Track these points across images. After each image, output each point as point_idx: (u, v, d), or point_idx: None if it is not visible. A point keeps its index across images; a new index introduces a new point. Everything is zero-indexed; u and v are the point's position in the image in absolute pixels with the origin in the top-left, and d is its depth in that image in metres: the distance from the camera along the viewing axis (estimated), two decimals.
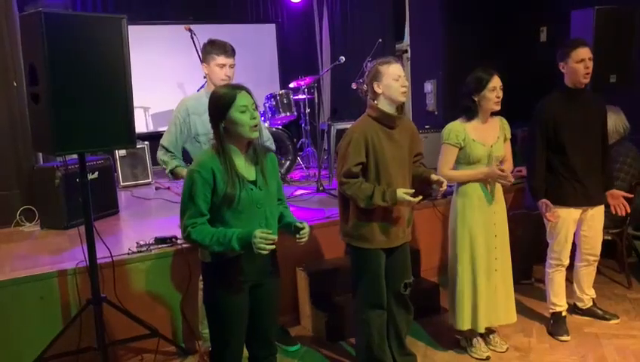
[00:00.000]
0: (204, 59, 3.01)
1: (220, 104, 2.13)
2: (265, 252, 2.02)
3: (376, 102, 2.71)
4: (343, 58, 5.34)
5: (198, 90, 5.56)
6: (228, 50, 2.97)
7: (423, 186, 2.81)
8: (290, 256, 3.52)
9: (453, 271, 3.08)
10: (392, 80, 2.64)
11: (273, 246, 2.03)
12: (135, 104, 2.84)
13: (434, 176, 2.73)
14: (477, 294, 3.02)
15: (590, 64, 3.11)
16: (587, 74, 3.12)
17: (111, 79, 2.66)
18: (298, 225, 2.21)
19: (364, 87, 2.75)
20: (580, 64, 3.10)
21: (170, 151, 3.04)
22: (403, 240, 2.81)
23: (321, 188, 4.81)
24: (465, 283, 3.03)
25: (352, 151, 2.65)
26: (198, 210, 2.11)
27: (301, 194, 4.87)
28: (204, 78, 5.53)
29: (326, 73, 6.78)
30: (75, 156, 3.24)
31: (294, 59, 7.68)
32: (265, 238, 2.01)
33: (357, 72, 5.09)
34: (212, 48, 2.96)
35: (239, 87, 2.16)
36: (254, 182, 2.18)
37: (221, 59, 2.94)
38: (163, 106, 7.05)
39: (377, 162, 2.67)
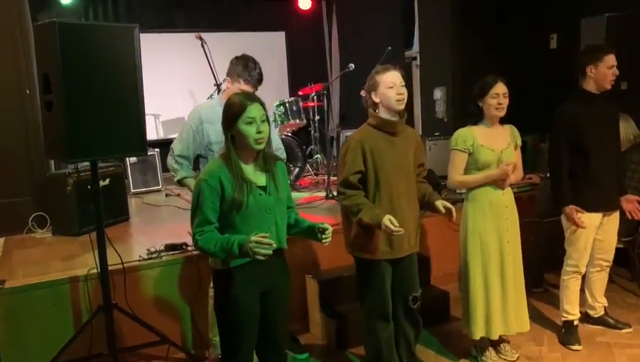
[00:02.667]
0: (230, 74, 2.96)
1: (230, 114, 2.17)
2: (261, 257, 2.00)
3: (377, 111, 2.70)
4: (353, 65, 5.35)
5: (208, 98, 5.63)
6: (256, 82, 2.91)
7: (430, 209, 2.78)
8: (299, 263, 3.53)
9: (465, 279, 3.06)
10: (386, 88, 2.62)
11: (270, 252, 2.00)
12: (146, 111, 2.86)
13: (439, 204, 2.67)
14: (490, 302, 3.00)
15: (616, 71, 3.14)
16: (613, 80, 3.15)
17: (123, 87, 2.69)
18: (322, 226, 2.23)
19: (367, 95, 2.74)
20: (610, 70, 3.12)
21: (182, 158, 3.01)
22: (409, 251, 2.76)
23: (330, 195, 4.81)
24: (477, 291, 3.01)
25: (349, 160, 2.65)
26: (205, 218, 2.13)
27: (310, 201, 4.86)
28: (215, 85, 5.56)
29: (335, 80, 6.79)
30: (86, 163, 3.28)
31: (304, 66, 7.70)
32: (259, 242, 1.99)
33: (366, 80, 5.09)
34: (242, 72, 2.90)
35: (252, 99, 2.18)
36: (264, 188, 2.20)
37: (246, 88, 2.89)
38: (174, 113, 7.09)
39: (376, 169, 2.65)
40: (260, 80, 2.96)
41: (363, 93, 5.13)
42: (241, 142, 2.16)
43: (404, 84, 2.66)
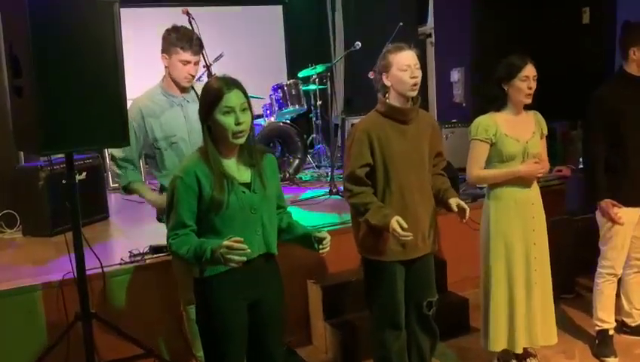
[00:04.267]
0: (165, 50, 2.95)
1: (206, 102, 2.15)
2: (234, 264, 1.99)
3: (387, 95, 2.71)
4: (359, 44, 5.35)
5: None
6: (195, 45, 2.92)
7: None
8: (299, 266, 3.53)
9: (487, 286, 3.06)
10: (399, 70, 2.63)
11: (243, 259, 1.99)
12: (127, 95, 2.85)
13: (453, 202, 2.69)
14: (514, 311, 3.01)
15: None
16: None
17: (102, 70, 2.68)
18: (319, 235, 2.23)
19: (377, 77, 2.74)
20: None
21: (125, 161, 2.99)
22: (424, 251, 2.77)
23: (334, 190, 4.81)
24: (500, 299, 3.02)
25: (354, 152, 2.66)
26: (180, 220, 2.13)
27: (312, 197, 4.88)
28: (204, 66, 5.52)
29: (339, 61, 6.77)
30: (61, 155, 3.28)
31: (304, 45, 7.68)
32: (230, 247, 1.97)
33: (374, 60, 5.07)
34: (177, 40, 2.90)
35: (230, 84, 2.14)
36: (248, 185, 2.20)
37: (186, 56, 2.91)
38: None
39: (385, 162, 2.67)
40: (200, 44, 2.96)
41: (371, 74, 5.11)
42: (219, 134, 2.15)
43: (419, 66, 2.66)
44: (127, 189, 3.04)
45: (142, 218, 4.74)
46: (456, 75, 5.82)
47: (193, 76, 2.99)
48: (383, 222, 2.56)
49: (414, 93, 2.67)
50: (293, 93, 5.92)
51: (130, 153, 2.98)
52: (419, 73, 2.65)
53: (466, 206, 2.69)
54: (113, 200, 5.36)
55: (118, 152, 3.01)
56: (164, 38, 2.96)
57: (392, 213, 2.57)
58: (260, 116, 6.09)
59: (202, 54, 3.74)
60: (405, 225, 2.52)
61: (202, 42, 2.98)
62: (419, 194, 2.72)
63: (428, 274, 2.83)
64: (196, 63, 2.97)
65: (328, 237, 2.23)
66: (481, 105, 3.20)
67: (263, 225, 2.22)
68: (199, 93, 3.11)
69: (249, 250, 2.01)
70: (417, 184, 2.72)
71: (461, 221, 2.71)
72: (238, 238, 1.99)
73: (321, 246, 2.22)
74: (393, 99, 2.70)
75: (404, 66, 2.62)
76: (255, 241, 2.17)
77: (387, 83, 2.68)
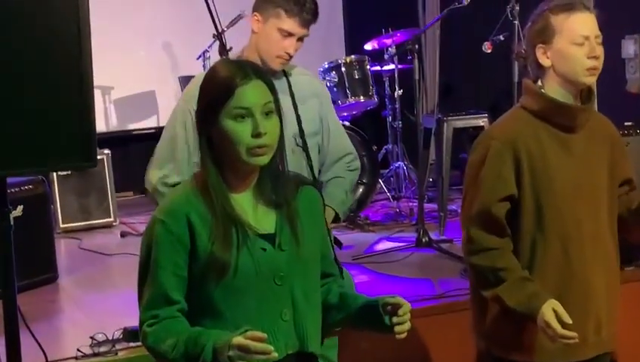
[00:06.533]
0: (258, 7, 3.14)
1: (207, 99, 2.18)
2: None
3: (540, 82, 2.73)
4: None
5: (200, 57, 5.66)
6: (307, 12, 3.09)
7: None
8: None
9: None
10: (571, 43, 2.63)
11: None
12: (103, 90, 2.89)
13: None
14: None
15: None
16: None
17: (55, 55, 2.68)
18: (391, 300, 2.16)
19: (526, 51, 2.76)
20: None
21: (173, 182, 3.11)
22: (597, 349, 2.74)
23: (424, 240, 4.80)
24: None
25: (490, 175, 2.66)
26: (160, 292, 2.13)
27: (387, 250, 4.87)
28: (214, 36, 5.67)
29: (434, 25, 6.76)
30: None
31: (373, 1, 7.77)
32: (245, 348, 1.93)
33: (493, 23, 5.10)
34: (285, 1, 3.07)
35: (248, 72, 2.14)
36: (271, 238, 2.21)
37: (290, 25, 3.06)
38: (137, 86, 7.17)
39: (538, 195, 2.65)
40: (315, 11, 3.14)
41: (488, 46, 5.16)
42: (226, 151, 2.15)
43: (601, 38, 2.65)
44: None
45: (109, 279, 4.81)
46: (631, 48, 5.74)
47: (291, 57, 3.12)
48: (528, 307, 2.53)
49: (592, 81, 2.67)
50: (357, 76, 5.96)
51: (183, 163, 3.13)
52: (601, 51, 2.64)
53: None
54: (64, 249, 5.40)
55: (163, 168, 3.17)
56: None
57: (544, 294, 2.54)
58: None
59: None
60: (568, 319, 2.46)
61: (317, 7, 3.17)
62: (592, 249, 2.69)
63: None
64: (300, 39, 3.14)
65: (407, 306, 2.14)
66: None
67: (294, 306, 2.20)
68: (295, 83, 3.29)
69: (276, 354, 1.96)
70: (591, 231, 2.69)
71: None
72: (258, 333, 1.95)
73: (395, 320, 2.15)
74: (553, 89, 2.69)
75: (579, 37, 2.61)
76: (281, 332, 2.16)
77: (545, 63, 2.68)
